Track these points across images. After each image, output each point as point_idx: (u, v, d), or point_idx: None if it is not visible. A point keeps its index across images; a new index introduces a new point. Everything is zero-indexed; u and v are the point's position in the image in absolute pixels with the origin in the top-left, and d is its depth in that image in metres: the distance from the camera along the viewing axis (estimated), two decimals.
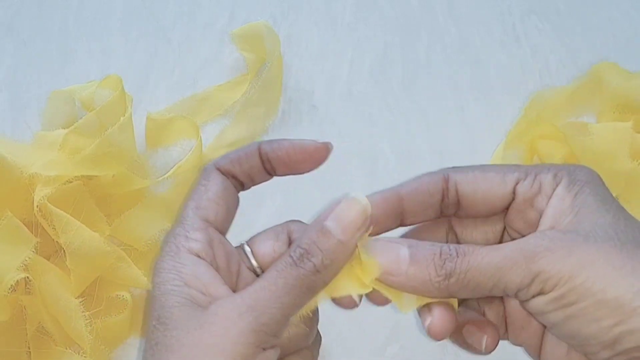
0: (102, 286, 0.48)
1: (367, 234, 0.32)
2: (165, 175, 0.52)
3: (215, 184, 0.34)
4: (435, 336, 0.32)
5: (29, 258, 0.45)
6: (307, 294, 0.31)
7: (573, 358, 0.33)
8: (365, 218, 0.32)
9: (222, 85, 0.59)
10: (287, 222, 0.35)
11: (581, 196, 0.31)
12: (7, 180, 0.47)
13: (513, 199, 0.33)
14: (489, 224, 0.35)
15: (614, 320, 0.28)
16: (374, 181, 0.55)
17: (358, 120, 0.58)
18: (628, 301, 0.28)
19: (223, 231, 0.34)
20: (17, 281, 0.45)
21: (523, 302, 0.31)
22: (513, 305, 0.35)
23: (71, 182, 0.48)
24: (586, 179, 0.32)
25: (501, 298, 0.35)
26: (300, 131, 0.57)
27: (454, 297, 0.32)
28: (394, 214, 0.34)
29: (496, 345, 0.34)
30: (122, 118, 0.48)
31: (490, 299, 0.35)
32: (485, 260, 0.30)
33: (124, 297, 0.48)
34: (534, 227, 0.33)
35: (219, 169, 0.34)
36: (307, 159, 0.34)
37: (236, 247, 0.34)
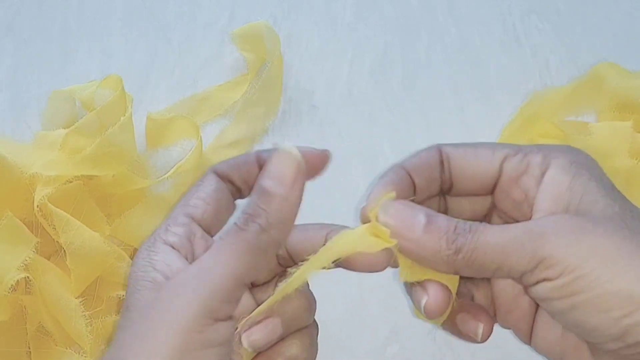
0: (102, 286, 0.48)
1: (389, 195, 0.32)
2: (166, 175, 0.53)
3: (209, 185, 0.34)
4: (431, 314, 0.32)
5: (29, 258, 0.45)
6: (258, 256, 0.30)
7: (568, 343, 0.32)
8: (298, 167, 0.31)
9: (222, 85, 0.59)
10: None
11: (580, 179, 0.31)
12: (8, 180, 0.47)
13: (500, 176, 0.33)
14: (479, 203, 0.35)
15: (623, 312, 0.28)
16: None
17: (358, 120, 0.58)
18: (638, 292, 0.27)
19: (210, 230, 0.34)
20: (18, 281, 0.45)
21: (528, 288, 0.30)
22: (500, 287, 0.34)
23: (71, 182, 0.48)
24: (583, 162, 0.31)
25: (489, 280, 0.35)
26: (300, 131, 0.57)
27: (459, 274, 0.32)
28: (409, 190, 0.33)
29: (490, 333, 0.34)
30: (122, 118, 0.48)
31: (477, 281, 0.35)
32: (492, 240, 0.30)
33: (124, 297, 0.48)
34: (521, 208, 0.33)
35: (216, 172, 0.34)
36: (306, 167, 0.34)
37: None
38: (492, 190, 0.34)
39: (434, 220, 0.31)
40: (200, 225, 0.33)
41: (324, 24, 0.62)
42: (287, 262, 0.35)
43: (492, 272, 0.30)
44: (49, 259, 0.48)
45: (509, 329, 0.35)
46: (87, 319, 0.45)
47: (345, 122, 0.58)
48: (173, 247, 0.32)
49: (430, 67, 0.60)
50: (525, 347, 0.35)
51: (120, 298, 0.48)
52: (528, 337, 0.34)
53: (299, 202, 0.31)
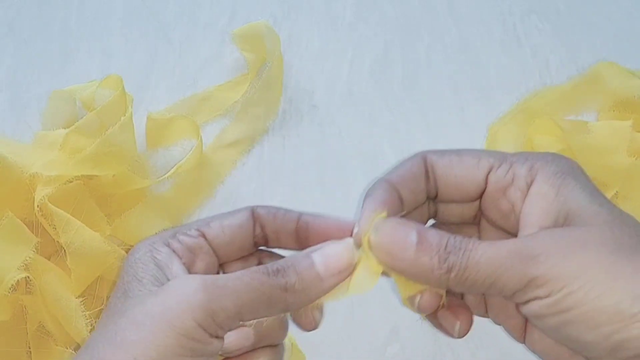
0: (102, 286, 0.49)
1: (380, 216, 0.32)
2: (166, 175, 0.53)
3: (236, 219, 0.35)
4: (423, 310, 0.32)
5: (30, 258, 0.45)
6: (266, 305, 0.31)
7: (562, 347, 0.32)
8: (349, 268, 0.32)
9: (222, 85, 0.59)
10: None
11: (566, 189, 0.31)
12: (8, 180, 0.47)
13: (486, 187, 0.33)
14: (467, 207, 0.35)
15: (612, 328, 0.28)
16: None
17: (358, 120, 0.58)
18: (627, 307, 0.27)
19: (218, 255, 0.35)
20: (18, 281, 0.45)
21: (519, 305, 0.30)
22: None
23: (71, 182, 0.48)
24: (569, 171, 0.31)
25: None
26: (300, 131, 0.57)
27: (453, 290, 0.32)
28: (397, 205, 0.33)
29: (468, 331, 0.34)
30: (122, 118, 0.49)
31: None
32: (483, 260, 0.30)
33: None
34: (508, 219, 0.33)
35: (252, 212, 0.35)
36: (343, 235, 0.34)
37: None
38: (478, 198, 0.34)
39: (425, 238, 0.31)
40: (210, 245, 0.34)
41: (324, 24, 0.62)
42: (261, 242, 0.36)
43: (484, 289, 0.30)
44: (49, 259, 0.48)
45: (500, 325, 0.35)
46: (87, 319, 0.45)
47: (345, 122, 0.58)
48: (174, 252, 0.33)
49: (430, 67, 0.60)
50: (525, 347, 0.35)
51: None
52: (522, 336, 0.34)
53: (328, 292, 0.32)
